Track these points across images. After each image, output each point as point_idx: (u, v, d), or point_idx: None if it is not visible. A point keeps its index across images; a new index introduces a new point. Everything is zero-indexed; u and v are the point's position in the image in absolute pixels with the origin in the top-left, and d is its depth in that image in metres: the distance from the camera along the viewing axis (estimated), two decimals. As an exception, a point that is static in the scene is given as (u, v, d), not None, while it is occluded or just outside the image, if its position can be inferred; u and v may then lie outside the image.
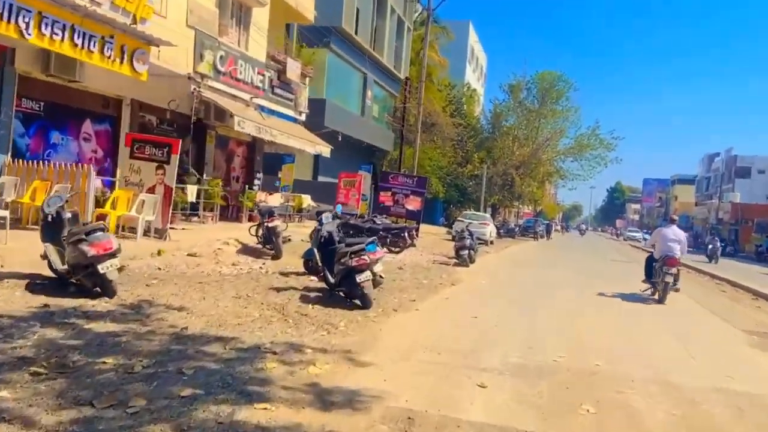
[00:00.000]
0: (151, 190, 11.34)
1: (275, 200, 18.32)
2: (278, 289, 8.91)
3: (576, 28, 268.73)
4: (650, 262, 12.62)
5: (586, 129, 39.02)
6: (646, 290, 12.65)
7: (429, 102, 39.16)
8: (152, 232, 11.37)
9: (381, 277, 8.80)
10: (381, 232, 16.45)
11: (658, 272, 11.91)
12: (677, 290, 12.27)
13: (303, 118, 20.83)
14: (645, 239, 43.77)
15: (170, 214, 11.41)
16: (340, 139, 29.86)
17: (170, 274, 9.31)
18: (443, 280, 12.47)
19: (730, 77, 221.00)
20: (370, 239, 8.95)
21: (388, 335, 6.82)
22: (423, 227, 30.01)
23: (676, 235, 12.33)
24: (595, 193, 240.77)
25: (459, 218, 27.90)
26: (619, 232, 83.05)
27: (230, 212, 17.34)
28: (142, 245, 10.74)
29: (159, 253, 10.51)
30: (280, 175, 25.45)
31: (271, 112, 18.57)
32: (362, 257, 8.16)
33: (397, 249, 17.60)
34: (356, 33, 30.37)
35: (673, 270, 11.70)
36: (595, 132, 38.40)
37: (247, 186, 19.04)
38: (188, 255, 10.78)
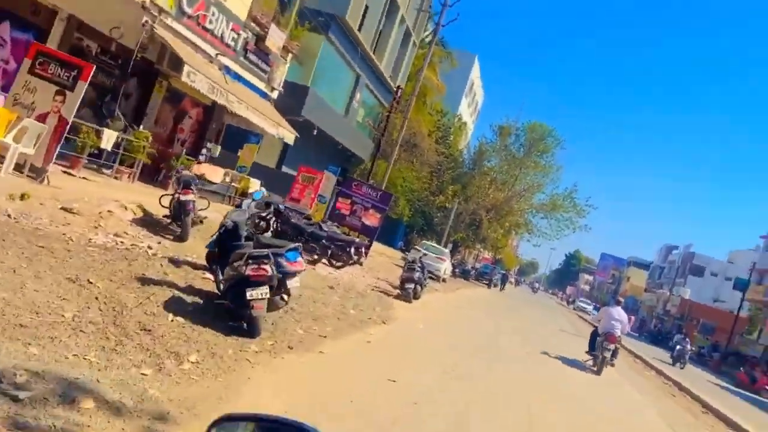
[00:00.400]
0: (42, 119, 8.80)
1: (216, 175, 15.86)
2: (146, 282, 6.46)
3: (576, 83, 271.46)
4: (594, 336, 13.55)
5: (564, 190, 37.76)
6: (587, 360, 13.39)
7: (416, 122, 37.25)
8: (26, 169, 8.80)
9: (284, 299, 6.45)
10: (324, 241, 14.13)
11: (599, 346, 12.83)
12: (613, 365, 13.60)
13: (275, 95, 18.45)
14: (594, 313, 42.29)
15: (56, 152, 8.85)
16: (315, 132, 27.57)
17: (14, 228, 6.80)
18: (375, 315, 10.20)
19: (704, 173, 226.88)
20: (294, 245, 6.67)
21: (254, 391, 4.48)
22: (377, 246, 27.78)
23: (619, 315, 13.56)
24: (554, 254, 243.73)
25: (416, 246, 25.75)
26: (570, 299, 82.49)
27: (158, 176, 14.74)
28: (4, 182, 8.18)
29: (22, 197, 7.96)
30: (239, 154, 23.07)
31: (238, 78, 16.17)
32: (263, 266, 5.84)
33: (339, 264, 15.27)
34: (359, 29, 28.23)
35: (612, 346, 12.89)
36: (571, 195, 37.14)
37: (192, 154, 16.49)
38: (62, 209, 8.24)
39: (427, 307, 14.35)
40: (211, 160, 18.63)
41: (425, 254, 22.86)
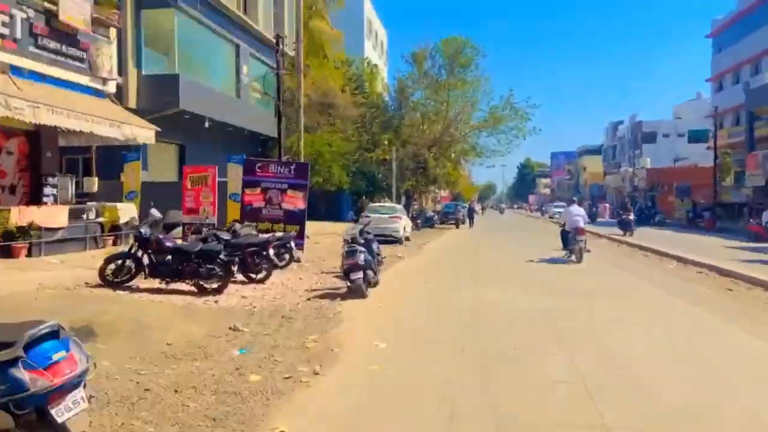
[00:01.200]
0: None
1: (56, 218, 11.23)
2: None
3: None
4: (564, 234, 16.13)
5: (499, 100, 33.95)
6: (565, 255, 15.92)
7: (324, 80, 32.59)
8: None
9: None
10: (221, 257, 9.76)
11: (572, 240, 15.41)
12: (588, 251, 16.30)
13: (111, 89, 13.67)
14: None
15: None
16: (207, 125, 22.83)
17: None
18: (304, 359, 6.03)
19: (631, 44, 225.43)
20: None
21: None
22: (319, 228, 23.54)
23: (578, 211, 16.35)
24: (506, 171, 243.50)
25: (364, 213, 21.63)
26: (542, 208, 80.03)
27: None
28: None
29: None
30: (122, 179, 18.35)
31: (40, 77, 11.35)
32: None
33: (262, 275, 11.04)
34: (215, -11, 23.21)
35: (583, 237, 15.52)
36: (509, 102, 33.36)
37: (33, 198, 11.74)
38: None
39: (388, 296, 10.28)
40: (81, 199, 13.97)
41: (375, 218, 18.78)
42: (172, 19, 21.02)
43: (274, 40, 29.80)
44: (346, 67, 37.69)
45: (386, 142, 33.27)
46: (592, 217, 36.66)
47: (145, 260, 9.68)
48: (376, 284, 10.76)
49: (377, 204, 24.05)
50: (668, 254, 17.46)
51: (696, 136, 69.99)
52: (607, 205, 49.45)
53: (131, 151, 18.00)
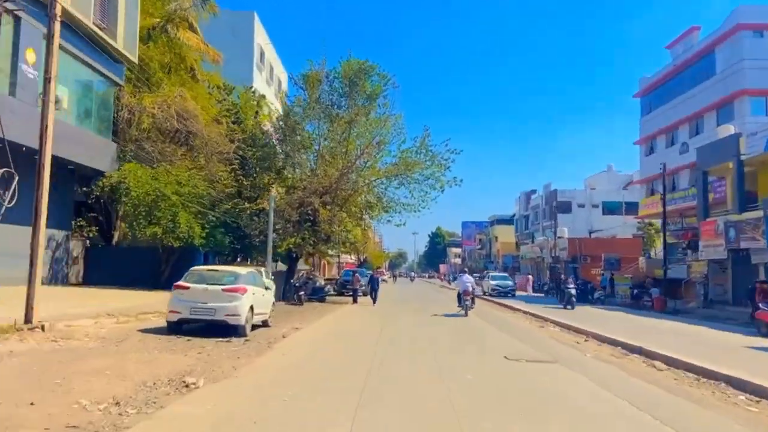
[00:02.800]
0: None
1: None
2: None
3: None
4: (459, 295, 21.43)
5: (413, 141, 26.49)
6: (459, 310, 20.85)
7: (184, 101, 23.66)
8: None
9: None
10: None
11: (462, 300, 20.79)
12: (472, 308, 21.18)
13: None
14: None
15: None
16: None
17: None
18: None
19: (539, 117, 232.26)
20: None
21: None
22: (140, 297, 13.99)
23: (468, 279, 21.57)
24: (417, 239, 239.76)
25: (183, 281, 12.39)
26: (453, 278, 73.19)
27: None
28: None
29: None
30: None
31: None
32: None
33: None
34: None
35: (469, 298, 20.78)
36: (425, 144, 25.93)
37: None
38: None
39: None
40: None
41: (196, 290, 9.95)
42: None
43: (113, 41, 20.90)
44: (224, 94, 29.03)
45: (265, 185, 24.39)
46: (512, 291, 36.66)
47: None
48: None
49: (206, 267, 14.74)
50: (678, 362, 10.28)
51: (610, 208, 67.73)
52: (529, 276, 42.87)
53: None
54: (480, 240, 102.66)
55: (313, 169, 25.88)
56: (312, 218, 24.12)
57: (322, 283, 26.15)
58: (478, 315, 20.83)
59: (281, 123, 25.56)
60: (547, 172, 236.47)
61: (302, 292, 22.80)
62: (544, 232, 67.51)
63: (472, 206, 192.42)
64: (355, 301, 24.58)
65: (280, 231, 24.18)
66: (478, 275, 44.34)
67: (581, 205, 63.44)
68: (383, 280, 66.49)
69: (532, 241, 69.83)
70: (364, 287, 30.30)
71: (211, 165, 23.81)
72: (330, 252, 31.12)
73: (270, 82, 40.41)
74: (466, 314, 19.84)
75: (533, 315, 21.28)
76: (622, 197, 65.17)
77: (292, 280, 23.75)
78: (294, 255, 25.59)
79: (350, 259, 60.03)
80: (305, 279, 25.28)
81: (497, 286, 36.21)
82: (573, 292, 25.61)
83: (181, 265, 18.80)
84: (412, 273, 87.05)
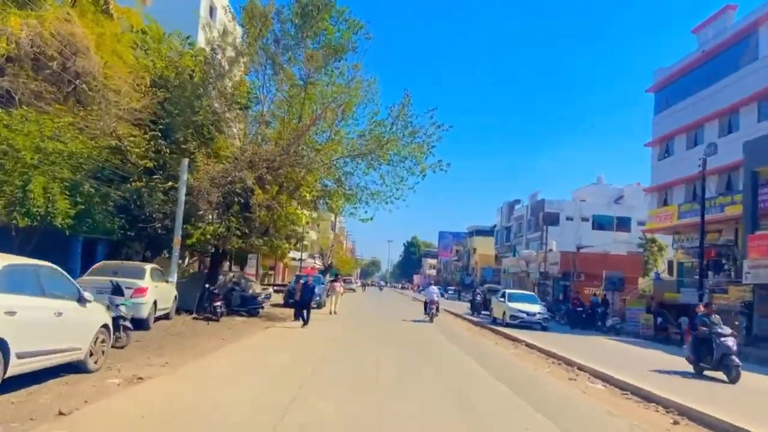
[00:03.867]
0: None
1: None
2: None
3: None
4: (425, 304, 24.23)
5: (388, 109, 19.92)
6: (425, 318, 23.20)
7: (69, 23, 16.61)
8: None
9: None
10: None
11: (429, 308, 23.51)
12: (437, 315, 23.66)
13: None
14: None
15: None
16: None
17: None
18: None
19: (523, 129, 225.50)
20: None
21: None
22: None
23: (434, 290, 24.93)
24: (392, 247, 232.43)
25: None
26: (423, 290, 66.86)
27: None
28: None
29: None
30: None
31: None
32: None
33: None
34: None
35: (434, 307, 23.47)
36: (403, 114, 19.41)
37: None
38: None
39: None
40: None
41: None
42: None
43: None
44: (146, 39, 22.01)
45: (191, 153, 17.43)
46: (542, 320, 22.78)
47: None
48: None
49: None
50: None
51: (601, 223, 62.07)
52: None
53: None
54: (457, 251, 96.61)
55: (250, 136, 19.02)
56: (244, 201, 17.25)
57: (257, 290, 19.24)
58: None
59: (206, 66, 18.47)
60: (530, 183, 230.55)
61: (219, 303, 15.87)
62: (528, 245, 61.55)
63: (450, 216, 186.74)
64: (296, 318, 17.64)
65: (200, 215, 17.24)
66: (480, 291, 35.60)
67: (570, 218, 57.69)
68: (350, 289, 59.59)
69: (514, 255, 63.81)
70: (318, 299, 23.53)
71: (108, 118, 16.79)
72: (286, 249, 23.89)
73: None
74: (431, 321, 22.61)
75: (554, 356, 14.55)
76: (614, 212, 59.76)
77: (209, 285, 16.80)
78: (216, 251, 18.58)
79: (315, 263, 52.96)
80: (230, 284, 18.36)
81: (521, 312, 22.33)
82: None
83: (47, 257, 11.74)
84: (382, 282, 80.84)
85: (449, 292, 61.32)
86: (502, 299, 24.22)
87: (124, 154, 17.13)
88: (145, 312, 12.03)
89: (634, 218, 58.60)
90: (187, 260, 25.95)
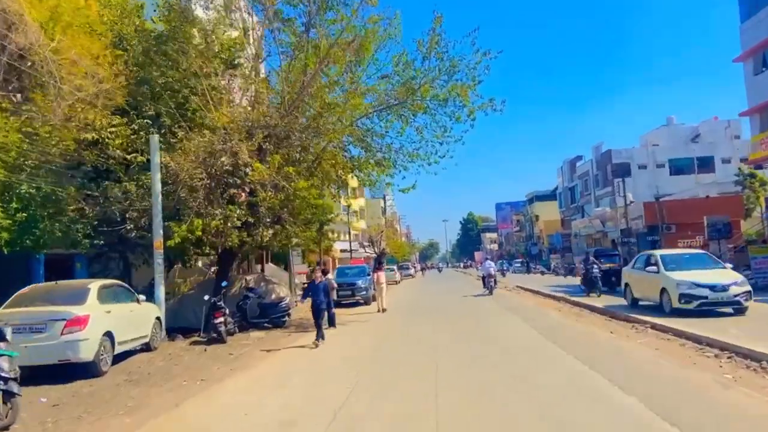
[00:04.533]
0: None
1: None
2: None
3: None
4: (483, 278, 25.59)
5: (415, 45, 15.17)
6: (484, 292, 24.22)
7: None
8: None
9: None
10: None
11: (486, 281, 24.63)
12: (496, 287, 24.77)
13: None
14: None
15: None
16: None
17: None
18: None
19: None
20: None
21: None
22: None
23: (490, 264, 25.79)
24: (449, 226, 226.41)
25: None
26: (512, 265, 61.38)
27: None
28: None
29: None
30: None
31: None
32: None
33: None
34: None
35: (492, 279, 24.40)
36: (436, 43, 14.45)
37: None
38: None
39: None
40: None
41: None
42: None
43: None
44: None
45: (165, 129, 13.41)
46: (742, 298, 12.50)
47: None
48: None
49: None
50: None
51: (679, 166, 54.75)
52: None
53: None
54: (518, 221, 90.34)
55: (243, 100, 14.78)
56: (238, 183, 13.06)
57: (282, 294, 15.08)
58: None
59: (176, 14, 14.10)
60: (589, 138, 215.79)
61: (221, 319, 11.80)
62: (598, 203, 55.11)
63: (504, 187, 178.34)
64: (318, 333, 12.91)
65: (192, 208, 13.16)
66: (592, 260, 29.29)
67: (642, 166, 50.78)
68: (408, 275, 55.10)
69: (583, 216, 57.52)
70: (365, 293, 19.30)
71: (61, 102, 12.99)
72: (309, 238, 19.35)
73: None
74: (490, 293, 23.51)
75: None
76: (692, 152, 52.38)
77: (208, 297, 12.73)
78: (225, 250, 14.42)
79: (366, 251, 48.86)
80: (243, 291, 14.29)
81: (699, 286, 12.69)
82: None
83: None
84: (441, 264, 76.61)
85: (516, 264, 55.66)
86: (652, 268, 14.06)
87: (102, 147, 13.29)
88: (87, 352, 8.10)
89: (717, 156, 51.31)
90: (213, 268, 22.29)
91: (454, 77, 15.06)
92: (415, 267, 69.28)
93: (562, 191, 69.09)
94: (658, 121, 63.53)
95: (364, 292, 18.83)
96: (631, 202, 36.59)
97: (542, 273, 51.70)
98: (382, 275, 17.50)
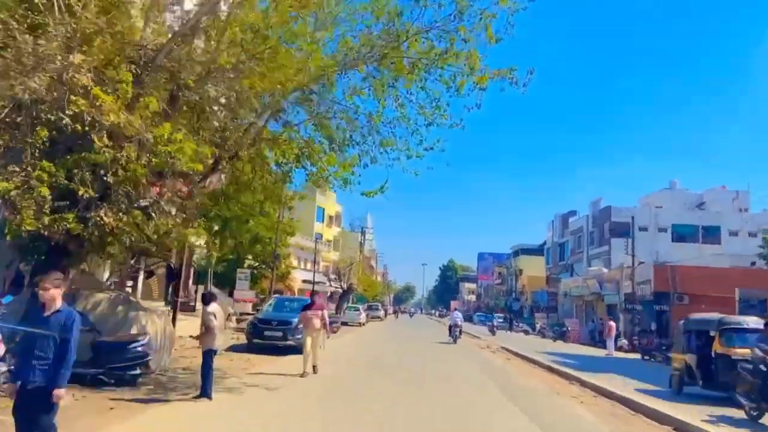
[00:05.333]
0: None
1: None
2: None
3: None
4: (450, 327, 27.14)
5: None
6: (449, 340, 25.67)
7: None
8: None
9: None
10: None
11: (453, 331, 26.25)
12: (460, 337, 26.39)
13: None
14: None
15: None
16: None
17: None
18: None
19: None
20: None
21: None
22: None
23: (458, 315, 28.06)
24: (427, 271, 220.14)
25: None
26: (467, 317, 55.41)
27: None
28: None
29: None
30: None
31: None
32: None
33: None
34: None
35: (458, 329, 26.26)
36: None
37: None
38: None
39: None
40: None
41: None
42: None
43: None
44: None
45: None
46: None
47: None
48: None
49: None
50: None
51: (682, 233, 50.15)
52: (612, 324, 24.64)
53: None
54: (500, 274, 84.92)
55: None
56: (65, 124, 7.29)
57: (138, 329, 8.91)
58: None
59: None
60: (579, 197, 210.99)
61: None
62: (590, 262, 50.11)
63: (489, 237, 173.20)
64: (203, 392, 7.27)
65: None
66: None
67: (644, 228, 45.91)
68: (377, 317, 48.71)
69: (571, 274, 52.32)
70: (298, 341, 13.51)
71: None
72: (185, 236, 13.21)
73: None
74: (455, 342, 25.01)
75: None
76: (697, 220, 47.92)
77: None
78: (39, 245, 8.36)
79: (331, 285, 42.66)
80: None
81: None
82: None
83: None
84: (412, 309, 71.36)
85: (498, 320, 48.96)
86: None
87: None
88: None
89: (723, 227, 46.82)
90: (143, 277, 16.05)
91: (458, 24, 9.68)
92: (386, 309, 63.17)
93: (550, 246, 64.11)
94: (660, 184, 59.34)
95: (300, 336, 12.95)
96: (641, 262, 31.44)
97: (525, 333, 45.72)
98: (315, 318, 11.47)
